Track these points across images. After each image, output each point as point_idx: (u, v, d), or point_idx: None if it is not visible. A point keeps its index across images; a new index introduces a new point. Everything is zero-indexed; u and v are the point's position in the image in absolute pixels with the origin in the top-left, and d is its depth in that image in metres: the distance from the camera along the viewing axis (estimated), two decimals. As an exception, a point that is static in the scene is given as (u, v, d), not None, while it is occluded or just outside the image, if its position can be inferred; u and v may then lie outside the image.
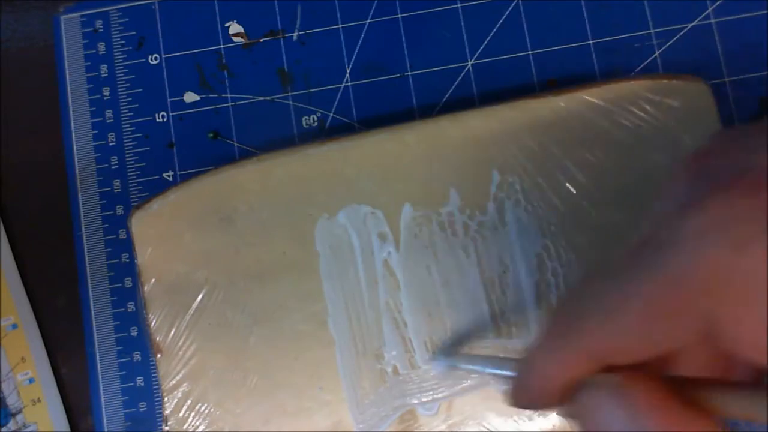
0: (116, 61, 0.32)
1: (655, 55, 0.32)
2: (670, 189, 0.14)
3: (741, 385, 0.14)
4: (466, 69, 0.32)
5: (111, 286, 0.31)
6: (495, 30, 0.32)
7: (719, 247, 0.12)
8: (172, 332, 0.28)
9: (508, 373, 0.21)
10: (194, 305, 0.28)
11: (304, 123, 0.32)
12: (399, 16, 0.32)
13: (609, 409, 0.14)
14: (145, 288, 0.28)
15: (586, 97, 0.28)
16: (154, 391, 0.30)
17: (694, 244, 0.13)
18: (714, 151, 0.14)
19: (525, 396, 0.17)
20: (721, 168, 0.13)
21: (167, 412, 0.28)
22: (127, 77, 0.32)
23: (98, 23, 0.33)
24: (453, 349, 0.27)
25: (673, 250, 0.13)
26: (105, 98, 0.32)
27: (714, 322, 0.13)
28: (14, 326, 0.30)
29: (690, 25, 0.32)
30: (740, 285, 0.12)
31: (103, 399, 0.30)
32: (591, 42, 0.32)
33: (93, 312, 0.31)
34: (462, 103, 0.32)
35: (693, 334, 0.13)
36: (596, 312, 0.15)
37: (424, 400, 0.27)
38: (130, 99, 0.32)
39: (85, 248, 0.31)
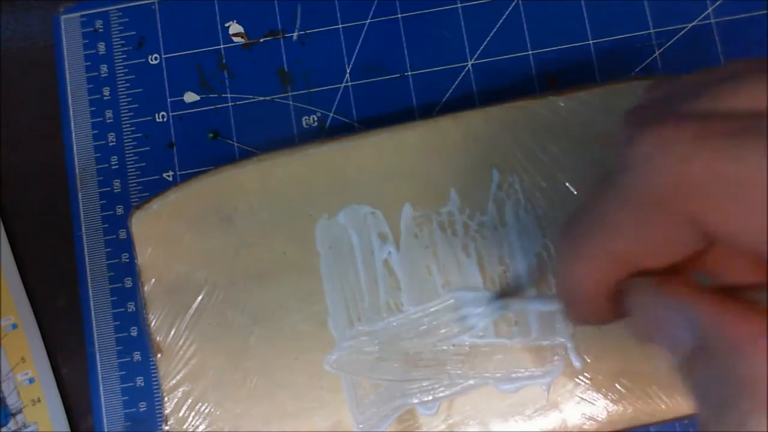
0: (116, 61, 0.32)
1: (655, 55, 0.32)
2: (619, 137, 0.17)
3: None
4: (466, 69, 0.32)
5: (111, 286, 0.31)
6: (495, 30, 0.32)
7: (667, 162, 0.14)
8: (172, 332, 0.28)
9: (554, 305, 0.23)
10: (194, 305, 0.28)
11: (304, 123, 0.32)
12: (399, 16, 0.32)
13: (657, 303, 0.16)
14: (145, 288, 0.28)
15: (586, 97, 0.28)
16: (154, 391, 0.30)
17: (645, 164, 0.15)
18: (646, 104, 0.18)
19: (574, 311, 0.19)
20: (653, 112, 0.16)
21: (167, 412, 0.28)
22: (127, 77, 0.32)
23: (98, 23, 0.33)
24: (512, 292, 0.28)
25: (633, 171, 0.15)
26: (105, 98, 0.32)
27: (701, 223, 0.14)
28: (14, 326, 0.30)
29: (690, 25, 0.32)
30: (702, 187, 0.14)
31: (103, 399, 0.30)
32: (591, 42, 0.32)
33: (93, 312, 0.31)
34: (462, 103, 0.32)
35: (693, 236, 0.15)
36: (601, 216, 0.17)
37: (424, 399, 0.27)
38: (130, 99, 0.32)
39: (85, 248, 0.31)
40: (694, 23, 0.32)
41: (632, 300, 0.17)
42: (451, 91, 0.32)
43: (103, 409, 0.30)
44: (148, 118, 0.32)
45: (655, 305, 0.16)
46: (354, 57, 0.32)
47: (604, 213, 0.16)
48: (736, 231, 0.14)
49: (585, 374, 0.27)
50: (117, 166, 0.32)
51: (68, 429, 0.30)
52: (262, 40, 0.33)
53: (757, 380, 0.13)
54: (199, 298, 0.28)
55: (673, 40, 0.32)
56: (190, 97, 0.32)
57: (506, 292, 0.28)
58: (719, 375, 0.14)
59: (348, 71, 0.32)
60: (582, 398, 0.27)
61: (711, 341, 0.14)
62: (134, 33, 0.33)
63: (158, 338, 0.28)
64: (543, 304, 0.26)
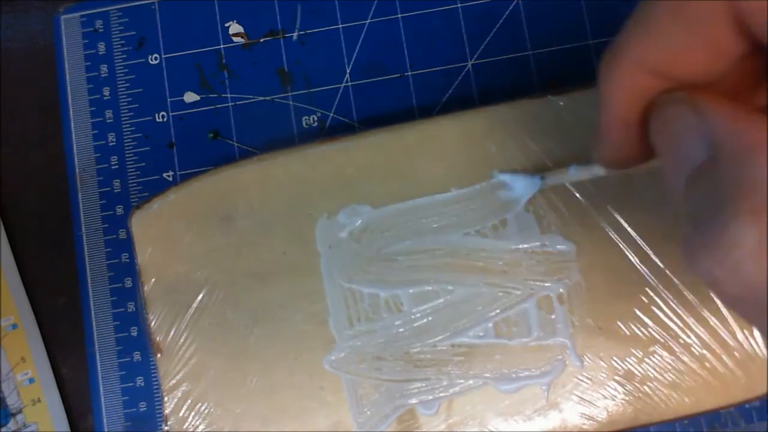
0: (116, 61, 0.32)
1: (655, 55, 0.32)
2: None
3: None
4: (466, 69, 0.32)
5: (111, 286, 0.31)
6: (495, 30, 0.32)
7: None
8: (172, 332, 0.28)
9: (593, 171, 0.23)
10: (194, 305, 0.28)
11: (304, 123, 0.32)
12: (399, 16, 0.32)
13: (677, 116, 0.15)
14: (145, 288, 0.28)
15: (586, 97, 0.28)
16: (154, 391, 0.30)
17: None
18: None
19: (608, 143, 0.19)
20: None
21: (167, 411, 0.28)
22: (127, 77, 0.32)
23: (98, 23, 0.33)
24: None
25: None
26: (105, 98, 0.32)
27: (740, 11, 0.14)
28: (14, 326, 0.30)
29: (690, 25, 0.32)
30: None
31: (103, 399, 0.30)
32: (591, 42, 0.32)
33: (93, 312, 0.31)
34: (462, 103, 0.32)
35: (734, 40, 0.15)
36: (636, 25, 0.16)
37: (424, 399, 0.27)
38: (130, 99, 0.32)
39: (85, 248, 0.31)
40: (694, 23, 0.32)
41: (656, 116, 0.16)
42: (451, 91, 0.32)
43: (103, 409, 0.30)
44: (148, 118, 0.32)
45: (674, 118, 0.15)
46: (354, 57, 0.32)
47: (645, 16, 0.16)
48: None
49: (585, 374, 0.27)
50: (117, 166, 0.32)
51: (68, 429, 0.30)
52: (262, 40, 0.33)
53: (752, 184, 0.12)
54: (199, 297, 0.28)
55: (673, 40, 0.32)
56: (190, 97, 0.32)
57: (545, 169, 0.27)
58: (718, 183, 0.13)
59: (348, 71, 0.32)
60: (582, 398, 0.27)
61: (721, 148, 0.14)
62: (134, 33, 0.33)
63: (158, 338, 0.28)
64: (580, 171, 0.25)
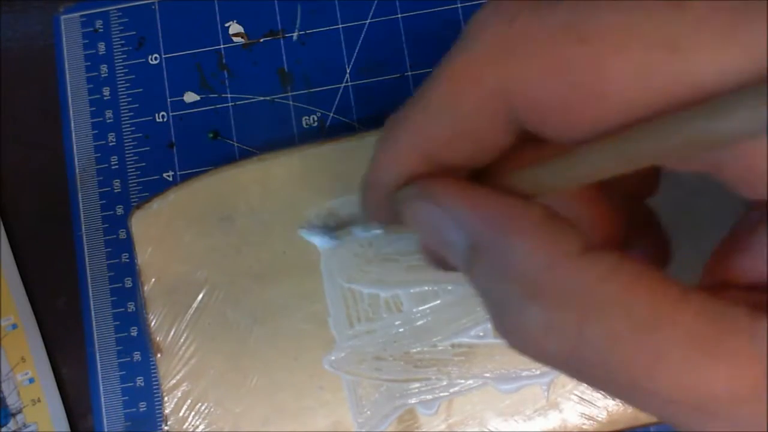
0: (116, 61, 0.32)
1: (654, 55, 0.32)
2: None
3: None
4: (466, 69, 0.32)
5: (111, 286, 0.31)
6: (495, 30, 0.32)
7: (493, 22, 0.14)
8: (172, 332, 0.28)
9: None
10: (194, 305, 0.28)
11: (304, 123, 0.32)
12: (399, 16, 0.32)
13: (432, 214, 0.15)
14: (145, 288, 0.28)
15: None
16: (154, 391, 0.30)
17: (474, 26, 0.14)
18: None
19: (368, 204, 0.18)
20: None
21: (167, 411, 0.28)
22: (127, 77, 0.32)
23: (98, 23, 0.33)
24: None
25: (461, 39, 0.15)
26: (105, 98, 0.32)
27: (509, 95, 0.13)
28: (14, 326, 0.30)
29: (690, 25, 0.32)
30: (520, 50, 0.13)
31: (103, 399, 0.30)
32: (591, 42, 0.32)
33: (93, 312, 0.31)
34: (462, 103, 0.32)
35: (497, 122, 0.14)
36: (414, 104, 0.16)
37: (424, 399, 0.27)
38: (130, 99, 0.32)
39: (85, 248, 0.31)
40: (693, 23, 0.32)
41: (406, 207, 0.16)
42: (451, 91, 0.32)
43: (103, 409, 0.30)
44: (148, 118, 0.32)
45: (423, 212, 0.15)
46: (354, 57, 0.32)
47: (421, 95, 0.15)
48: (544, 107, 0.13)
49: (585, 374, 0.27)
50: (117, 166, 0.32)
51: (68, 429, 0.30)
52: (262, 40, 0.33)
53: (526, 272, 0.12)
54: (199, 297, 0.28)
55: (672, 40, 0.32)
56: (190, 97, 0.32)
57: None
58: (492, 270, 0.13)
59: (348, 71, 0.32)
60: (582, 398, 0.27)
61: (480, 240, 0.13)
62: (134, 33, 0.33)
63: (158, 338, 0.28)
64: (363, 230, 0.26)
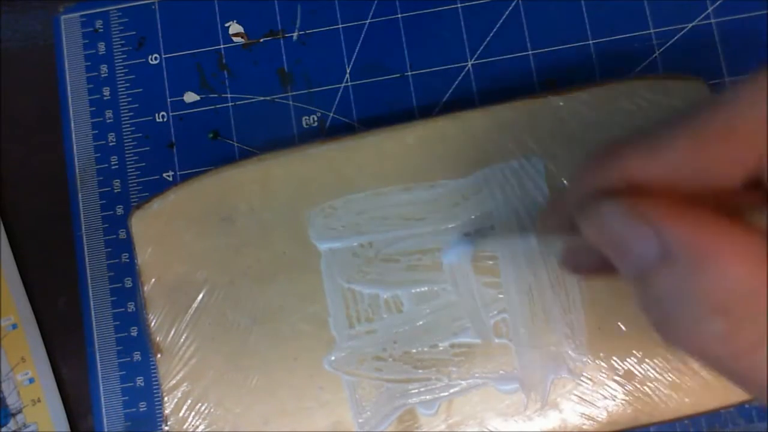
0: (116, 61, 0.32)
1: (655, 55, 0.32)
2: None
3: None
4: (466, 69, 0.32)
5: (111, 286, 0.31)
6: (495, 30, 0.32)
7: None
8: (172, 332, 0.28)
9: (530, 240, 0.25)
10: (194, 305, 0.28)
11: (304, 123, 0.32)
12: (399, 16, 0.32)
13: (631, 226, 0.16)
14: (145, 288, 0.28)
15: (586, 97, 0.28)
16: (154, 391, 0.30)
17: (750, 99, 0.15)
18: None
19: (550, 215, 0.19)
20: None
21: (167, 412, 0.28)
22: (127, 77, 0.32)
23: (98, 23, 0.33)
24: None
25: (730, 104, 0.15)
26: (105, 98, 0.32)
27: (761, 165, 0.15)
28: (14, 326, 0.30)
29: (690, 25, 0.32)
30: None
31: (103, 399, 0.30)
32: (591, 42, 0.32)
33: (93, 312, 0.31)
34: (462, 103, 0.32)
35: (740, 173, 0.15)
36: (641, 141, 0.16)
37: (424, 399, 0.27)
38: (130, 99, 0.32)
39: (85, 248, 0.31)
40: (694, 23, 0.32)
41: (594, 220, 0.17)
42: (451, 91, 0.32)
43: (103, 409, 0.30)
44: (148, 118, 0.32)
45: (620, 224, 0.16)
46: (354, 57, 0.32)
47: (662, 132, 0.16)
48: None
49: (585, 374, 0.27)
50: (117, 166, 0.32)
51: (68, 429, 0.30)
52: (262, 40, 0.33)
53: (728, 291, 0.14)
54: (199, 298, 0.28)
55: (673, 40, 0.32)
56: (190, 97, 0.32)
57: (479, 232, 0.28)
58: (680, 282, 0.14)
59: (348, 71, 0.32)
60: (582, 398, 0.27)
61: (678, 256, 0.14)
62: (134, 33, 0.33)
63: (158, 338, 0.28)
64: (509, 240, 0.27)
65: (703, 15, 0.32)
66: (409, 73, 0.32)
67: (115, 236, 0.31)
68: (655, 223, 0.15)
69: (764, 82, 0.15)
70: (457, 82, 0.32)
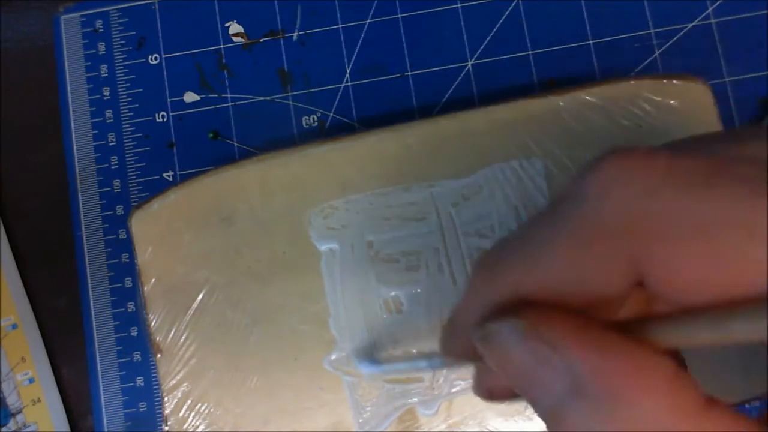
0: (116, 61, 0.32)
1: (655, 55, 0.32)
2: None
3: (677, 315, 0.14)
4: (466, 69, 0.32)
5: (111, 286, 0.31)
6: (495, 30, 0.32)
7: (626, 194, 0.13)
8: (172, 332, 0.28)
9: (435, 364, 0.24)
10: (194, 305, 0.28)
11: (304, 123, 0.32)
12: (399, 16, 0.32)
13: (524, 346, 0.14)
14: (145, 288, 0.28)
15: (586, 97, 0.28)
16: (154, 391, 0.30)
17: (596, 188, 0.14)
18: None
19: (449, 339, 0.17)
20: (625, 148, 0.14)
21: (167, 412, 0.28)
22: (127, 77, 0.32)
23: (98, 23, 0.33)
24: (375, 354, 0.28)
25: (584, 199, 0.14)
26: (105, 98, 0.32)
27: (641, 263, 0.13)
28: (14, 326, 0.30)
29: (690, 25, 0.32)
30: (660, 226, 0.13)
31: (103, 399, 0.30)
32: (591, 42, 0.32)
33: (93, 312, 0.31)
34: (462, 103, 0.32)
35: (619, 277, 0.14)
36: (519, 248, 0.15)
37: (424, 399, 0.27)
38: (130, 99, 0.32)
39: (85, 248, 0.31)
40: (694, 23, 0.32)
41: (495, 340, 0.15)
42: (451, 91, 0.32)
43: (103, 409, 0.30)
44: (148, 118, 0.32)
45: (521, 347, 0.14)
46: (354, 57, 0.32)
47: (536, 240, 0.15)
48: (681, 280, 0.13)
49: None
50: (117, 166, 0.32)
51: (68, 429, 0.30)
52: (262, 40, 0.33)
53: (647, 425, 0.12)
54: (199, 298, 0.28)
55: (673, 40, 0.32)
56: (190, 97, 0.32)
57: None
58: (595, 416, 0.13)
59: (348, 71, 0.32)
60: (582, 398, 0.27)
61: (588, 384, 0.13)
62: (134, 33, 0.33)
63: (158, 338, 0.28)
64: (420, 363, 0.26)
65: (703, 15, 0.32)
66: (409, 73, 0.32)
67: (115, 236, 0.31)
68: (561, 351, 0.13)
69: (610, 171, 0.13)
70: (457, 82, 0.32)
